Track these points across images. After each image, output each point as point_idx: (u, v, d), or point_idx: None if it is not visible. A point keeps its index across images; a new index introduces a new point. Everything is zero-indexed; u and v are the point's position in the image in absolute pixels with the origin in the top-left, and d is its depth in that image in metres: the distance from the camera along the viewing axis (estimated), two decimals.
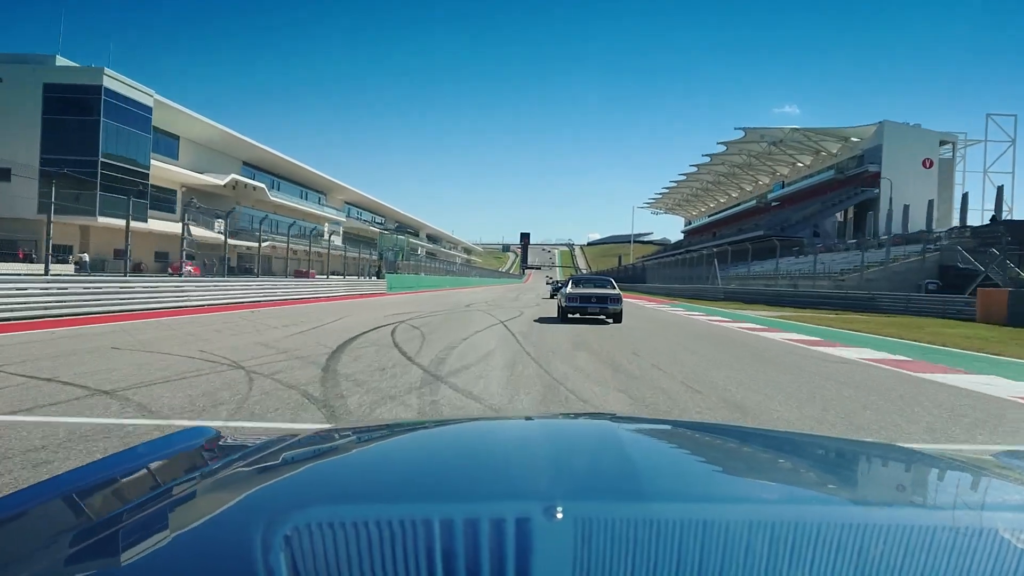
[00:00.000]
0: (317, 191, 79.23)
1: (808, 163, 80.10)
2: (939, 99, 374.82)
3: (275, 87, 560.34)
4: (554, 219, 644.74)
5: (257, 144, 61.95)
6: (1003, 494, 1.00)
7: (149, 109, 44.96)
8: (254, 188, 61.67)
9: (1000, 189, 45.85)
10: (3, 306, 12.03)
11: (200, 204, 40.07)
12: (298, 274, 38.66)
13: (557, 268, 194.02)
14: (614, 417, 1.63)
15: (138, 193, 42.41)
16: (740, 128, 77.37)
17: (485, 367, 7.58)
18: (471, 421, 2.25)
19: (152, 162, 46.01)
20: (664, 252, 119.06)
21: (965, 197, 49.26)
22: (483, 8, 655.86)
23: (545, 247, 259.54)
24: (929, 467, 1.19)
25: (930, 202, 50.21)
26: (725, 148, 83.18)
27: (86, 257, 35.28)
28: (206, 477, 0.97)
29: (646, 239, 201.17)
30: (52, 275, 15.38)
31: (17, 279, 13.94)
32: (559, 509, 0.73)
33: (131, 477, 1.00)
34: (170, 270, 37.52)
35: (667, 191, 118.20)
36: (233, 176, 57.48)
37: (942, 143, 67.99)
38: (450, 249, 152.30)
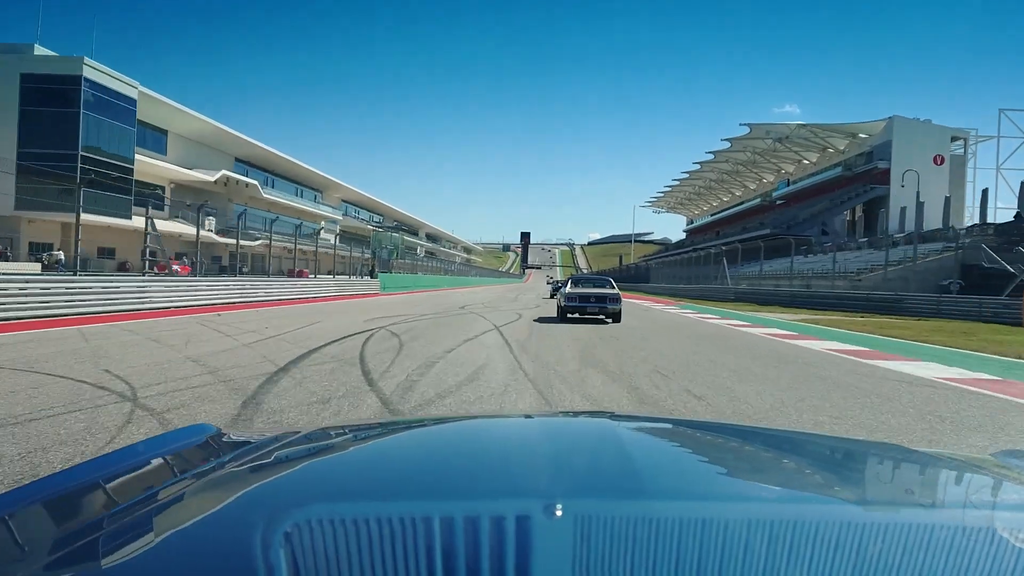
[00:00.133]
0: (313, 189, 77.37)
1: (814, 160, 78.09)
2: (941, 98, 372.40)
3: (274, 85, 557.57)
4: (554, 219, 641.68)
5: (250, 140, 60.05)
6: (1002, 494, 0.99)
7: (133, 101, 43.06)
8: (246, 185, 59.81)
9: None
10: None
11: (185, 201, 38.37)
12: (291, 273, 36.79)
13: (558, 268, 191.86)
14: (614, 415, 1.64)
15: (121, 188, 40.87)
16: (745, 124, 75.38)
17: (466, 395, 5.74)
18: (471, 419, 1.98)
19: (138, 157, 44.08)
20: (667, 251, 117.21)
21: (985, 193, 47.35)
22: (483, 6, 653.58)
23: (545, 247, 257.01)
24: (928, 466, 1.18)
25: (946, 198, 48.32)
26: (729, 145, 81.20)
27: (61, 255, 33.29)
28: (206, 474, 0.95)
29: (647, 239, 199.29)
30: None
31: None
32: (559, 507, 0.73)
33: (131, 474, 0.99)
34: (156, 269, 36.06)
35: (669, 189, 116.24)
36: (224, 172, 55.57)
37: (953, 139, 66.06)
38: (450, 248, 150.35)
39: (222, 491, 0.87)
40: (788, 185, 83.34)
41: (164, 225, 40.52)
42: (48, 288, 14.37)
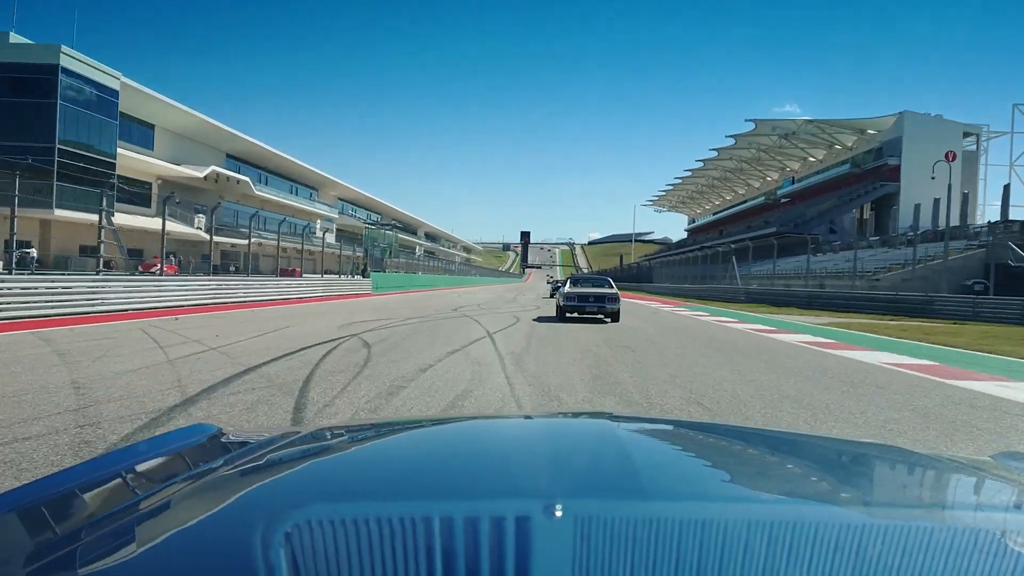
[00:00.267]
0: (308, 186, 75.46)
1: (820, 157, 76.22)
2: (948, 95, 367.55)
3: (273, 83, 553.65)
4: (554, 218, 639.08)
5: (242, 135, 58.15)
6: (1001, 495, 0.99)
7: (115, 93, 41.17)
8: (238, 181, 57.83)
9: None
10: None
11: (175, 196, 36.48)
12: (282, 273, 34.90)
13: (558, 267, 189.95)
14: (613, 416, 1.63)
15: (102, 184, 39.05)
16: (750, 120, 73.44)
17: None
18: (470, 419, 1.94)
19: (122, 152, 42.23)
20: (670, 250, 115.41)
21: (1007, 189, 45.53)
22: (483, 6, 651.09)
23: (545, 246, 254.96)
24: (927, 468, 1.17)
25: (964, 195, 46.42)
26: (734, 142, 79.33)
27: (34, 252, 31.43)
28: (207, 474, 0.95)
29: (647, 238, 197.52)
30: None
31: None
32: (559, 507, 0.73)
33: (131, 474, 0.99)
34: (140, 268, 34.33)
35: (671, 188, 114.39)
36: (213, 168, 53.62)
37: (966, 135, 64.26)
38: (449, 248, 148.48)
39: (222, 491, 0.86)
40: (793, 183, 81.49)
41: (144, 222, 38.82)
42: None
